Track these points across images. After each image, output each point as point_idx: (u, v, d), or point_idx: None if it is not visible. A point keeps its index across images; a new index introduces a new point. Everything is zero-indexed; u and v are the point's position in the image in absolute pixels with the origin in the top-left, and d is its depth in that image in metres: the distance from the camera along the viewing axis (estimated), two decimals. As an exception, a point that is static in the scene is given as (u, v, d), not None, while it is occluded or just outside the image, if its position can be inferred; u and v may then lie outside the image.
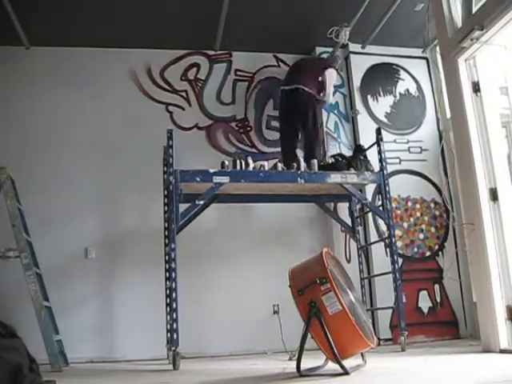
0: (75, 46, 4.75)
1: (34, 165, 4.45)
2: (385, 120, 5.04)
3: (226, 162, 3.82)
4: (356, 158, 4.18)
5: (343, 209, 4.68)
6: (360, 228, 4.62)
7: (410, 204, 4.85)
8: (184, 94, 4.98)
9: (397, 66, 5.22)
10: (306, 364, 2.49)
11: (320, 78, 4.61)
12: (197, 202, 3.63)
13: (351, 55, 5.11)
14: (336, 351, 2.35)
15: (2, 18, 4.15)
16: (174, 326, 3.32)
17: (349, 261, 4.65)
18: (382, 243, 4.55)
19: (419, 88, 5.21)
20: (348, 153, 4.83)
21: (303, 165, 3.97)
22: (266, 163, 3.96)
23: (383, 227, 4.54)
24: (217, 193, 3.74)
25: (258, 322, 4.48)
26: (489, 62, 3.42)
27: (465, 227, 3.48)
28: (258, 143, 5.01)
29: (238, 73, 5.12)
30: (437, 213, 4.89)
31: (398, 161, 4.92)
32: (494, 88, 3.48)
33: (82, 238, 4.43)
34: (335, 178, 3.92)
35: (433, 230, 4.84)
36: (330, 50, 5.07)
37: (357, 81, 5.06)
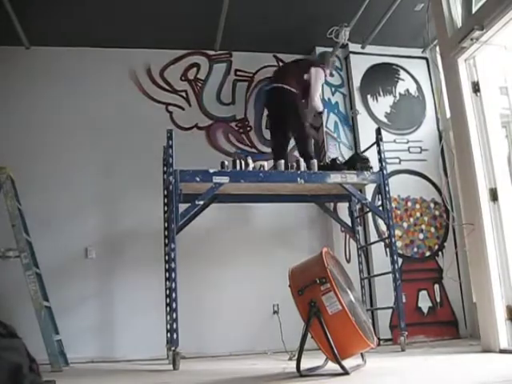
0: (75, 45, 4.75)
1: (33, 165, 4.45)
2: (385, 120, 5.05)
3: (226, 162, 3.82)
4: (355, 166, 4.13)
5: (343, 209, 4.68)
6: (360, 228, 4.63)
7: (409, 204, 4.85)
8: (184, 94, 4.99)
9: (397, 66, 5.23)
10: (305, 364, 2.49)
11: (305, 76, 4.38)
12: (197, 202, 3.63)
13: (351, 55, 5.11)
14: (336, 351, 2.35)
15: (2, 17, 4.15)
16: (174, 325, 3.32)
17: (349, 261, 4.65)
18: (382, 243, 4.55)
19: (419, 88, 5.21)
20: (348, 153, 4.84)
21: (303, 165, 3.97)
22: (265, 163, 3.96)
23: (383, 227, 4.54)
24: (217, 193, 3.74)
25: (258, 322, 4.48)
26: (489, 62, 3.42)
27: (465, 227, 3.48)
28: (257, 143, 5.01)
29: (238, 73, 5.12)
30: (437, 213, 4.89)
31: (397, 161, 4.93)
32: (494, 88, 3.48)
33: (82, 238, 4.43)
34: (335, 178, 3.92)
35: (433, 230, 4.84)
36: (330, 49, 5.07)
37: (357, 81, 5.07)
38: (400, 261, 4.34)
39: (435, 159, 4.98)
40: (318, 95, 4.49)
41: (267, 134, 5.00)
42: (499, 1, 2.99)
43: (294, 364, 2.51)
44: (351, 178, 3.96)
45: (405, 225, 4.79)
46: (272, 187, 4.03)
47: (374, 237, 4.68)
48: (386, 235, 4.13)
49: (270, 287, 4.33)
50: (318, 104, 4.49)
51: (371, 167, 4.14)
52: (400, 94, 5.17)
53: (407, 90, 5.19)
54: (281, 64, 5.11)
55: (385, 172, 4.04)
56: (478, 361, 2.90)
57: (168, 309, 3.69)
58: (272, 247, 4.63)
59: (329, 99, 5.05)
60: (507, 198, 3.27)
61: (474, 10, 3.38)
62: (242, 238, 4.65)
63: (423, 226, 4.83)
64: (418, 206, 4.86)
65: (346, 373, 2.36)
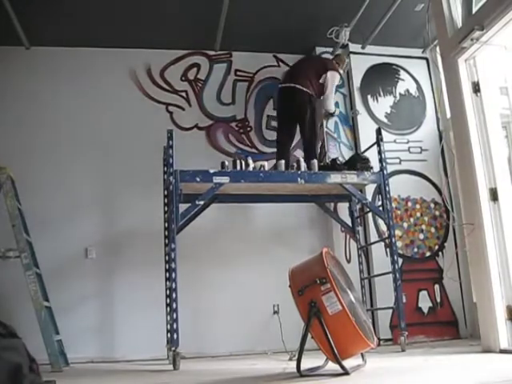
0: (75, 46, 4.75)
1: (33, 165, 4.45)
2: (385, 120, 5.05)
3: (226, 163, 3.82)
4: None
5: (343, 209, 4.68)
6: (360, 228, 4.62)
7: (409, 204, 4.85)
8: (184, 94, 4.98)
9: (397, 66, 5.23)
10: (306, 364, 2.49)
11: (321, 80, 4.47)
12: (197, 202, 3.63)
13: (351, 55, 5.10)
14: (336, 351, 2.35)
15: (1, 17, 4.15)
16: (174, 326, 3.32)
17: (349, 261, 4.65)
18: (382, 243, 4.55)
19: (419, 88, 5.21)
20: (348, 153, 4.84)
21: (303, 165, 3.97)
22: (265, 163, 3.96)
23: (383, 227, 4.54)
24: (217, 193, 3.74)
25: (258, 321, 4.48)
26: (489, 62, 3.42)
27: (465, 227, 3.48)
28: (257, 143, 5.01)
29: (238, 73, 5.12)
30: (437, 213, 4.89)
31: (398, 161, 4.92)
32: (494, 88, 3.48)
33: (81, 238, 4.43)
34: (335, 178, 3.92)
35: (433, 230, 4.84)
36: (330, 49, 5.08)
37: (357, 81, 5.06)
38: (400, 261, 4.34)
39: (435, 159, 4.98)
40: (332, 97, 4.56)
41: (267, 134, 5.02)
42: (499, 1, 2.99)
43: (294, 364, 2.51)
44: (351, 178, 3.96)
45: (405, 225, 4.79)
46: (272, 187, 4.03)
47: (374, 237, 4.68)
48: (386, 235, 4.13)
49: (270, 287, 4.33)
50: (332, 106, 4.59)
51: (371, 167, 4.14)
52: (400, 94, 5.17)
53: (407, 90, 5.19)
54: (291, 63, 5.03)
55: (385, 172, 4.04)
56: (478, 361, 2.90)
57: (168, 309, 3.69)
58: (272, 247, 4.63)
59: (329, 99, 5.04)
60: (507, 198, 3.27)
61: (474, 10, 3.38)
62: (242, 238, 4.65)
63: (423, 226, 4.83)
64: (418, 206, 4.86)
65: (346, 373, 2.36)
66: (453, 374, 2.45)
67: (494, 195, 3.27)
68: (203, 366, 3.54)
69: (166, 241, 3.82)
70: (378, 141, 4.11)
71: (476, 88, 3.40)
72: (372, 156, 4.21)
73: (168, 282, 3.64)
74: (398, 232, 4.59)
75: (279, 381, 2.48)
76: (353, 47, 5.09)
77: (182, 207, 3.58)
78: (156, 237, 4.08)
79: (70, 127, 4.65)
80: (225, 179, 3.69)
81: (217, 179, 3.67)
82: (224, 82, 5.08)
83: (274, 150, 4.76)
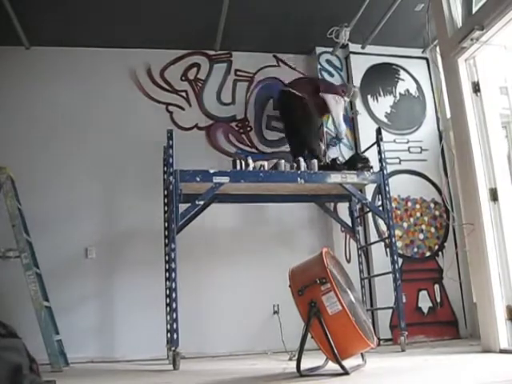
0: (75, 46, 4.74)
1: (33, 165, 4.45)
2: (385, 120, 5.05)
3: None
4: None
5: (343, 209, 4.68)
6: (360, 228, 4.62)
7: (409, 204, 4.85)
8: (184, 94, 4.98)
9: (397, 66, 5.22)
10: (306, 364, 2.50)
11: (321, 95, 4.51)
12: (197, 202, 3.63)
13: (351, 55, 5.11)
14: (336, 351, 2.35)
15: (1, 17, 4.15)
16: (174, 326, 3.32)
17: (349, 261, 4.64)
18: (382, 243, 4.55)
19: (419, 88, 5.21)
20: (348, 153, 4.84)
21: (303, 165, 3.97)
22: (265, 163, 3.96)
23: (383, 227, 4.54)
24: (217, 193, 3.74)
25: (258, 322, 4.48)
26: (489, 62, 3.42)
27: (465, 227, 3.48)
28: (257, 143, 5.00)
29: (238, 73, 5.12)
30: (437, 213, 4.89)
31: (397, 161, 4.92)
32: (494, 88, 3.49)
33: (81, 238, 4.43)
34: (335, 178, 3.92)
35: (433, 230, 4.84)
36: (330, 49, 5.08)
37: (357, 81, 5.06)
38: (400, 261, 4.34)
39: (435, 159, 4.98)
40: (342, 120, 4.62)
41: (267, 134, 5.02)
42: (499, 1, 2.99)
43: (294, 364, 2.52)
44: (351, 177, 3.96)
45: (405, 225, 4.79)
46: (272, 187, 4.03)
47: (374, 237, 4.68)
48: (386, 235, 4.13)
49: (270, 287, 4.33)
50: (343, 131, 4.68)
51: (371, 167, 4.14)
52: (400, 94, 5.17)
53: (407, 90, 5.19)
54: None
55: (385, 172, 4.05)
56: (478, 361, 2.90)
57: (168, 309, 3.68)
58: (272, 247, 4.63)
59: (329, 99, 5.04)
60: (507, 198, 3.27)
61: (474, 10, 3.38)
62: (242, 237, 4.64)
63: (423, 226, 4.83)
64: (418, 206, 4.86)
65: (346, 373, 2.37)
66: (453, 373, 2.45)
67: (493, 195, 3.27)
68: (203, 366, 3.54)
69: (166, 241, 3.82)
70: (378, 141, 4.12)
71: (476, 88, 3.40)
72: (372, 156, 4.21)
73: (168, 282, 3.64)
74: (397, 232, 4.59)
75: (279, 381, 2.48)
76: (353, 47, 5.09)
77: (182, 207, 3.58)
78: (156, 237, 4.08)
79: (70, 127, 4.65)
80: (225, 179, 3.69)
81: (217, 179, 3.67)
82: (224, 82, 5.08)
83: (274, 149, 4.78)
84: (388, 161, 4.36)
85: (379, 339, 4.05)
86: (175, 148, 3.65)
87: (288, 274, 2.59)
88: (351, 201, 4.51)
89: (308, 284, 2.44)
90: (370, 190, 4.63)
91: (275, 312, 4.50)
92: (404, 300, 3.93)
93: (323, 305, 2.38)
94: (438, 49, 4.61)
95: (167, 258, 3.71)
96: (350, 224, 4.51)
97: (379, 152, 4.09)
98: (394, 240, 3.93)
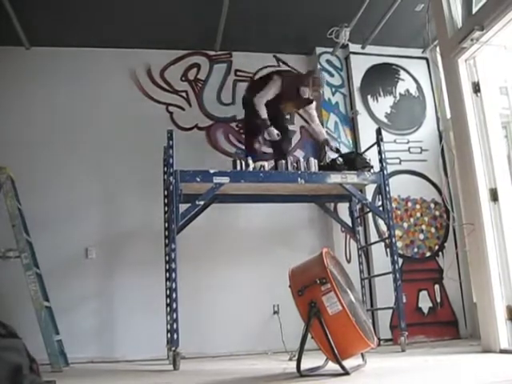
0: (75, 46, 4.74)
1: (34, 165, 4.45)
2: (385, 120, 5.05)
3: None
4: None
5: (343, 209, 4.67)
6: (360, 228, 4.62)
7: (410, 204, 4.85)
8: (184, 94, 4.98)
9: (397, 66, 5.22)
10: (306, 364, 2.50)
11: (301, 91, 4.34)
12: (197, 203, 3.63)
13: (351, 55, 5.11)
14: (336, 351, 2.35)
15: (1, 17, 4.15)
16: (175, 326, 3.32)
17: (349, 261, 4.64)
18: (382, 243, 4.55)
19: (419, 88, 5.21)
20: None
21: (303, 165, 3.98)
22: (265, 163, 3.96)
23: (383, 227, 4.54)
24: (217, 193, 3.73)
25: (258, 322, 4.48)
26: (489, 63, 3.42)
27: (465, 227, 3.49)
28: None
29: (238, 73, 5.12)
30: (437, 213, 4.89)
31: (398, 161, 4.92)
32: (494, 88, 3.49)
33: (81, 238, 4.43)
34: (335, 178, 3.92)
35: (433, 230, 4.84)
36: (330, 50, 5.08)
37: (357, 81, 5.06)
38: (400, 261, 4.34)
39: (435, 159, 4.98)
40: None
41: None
42: (499, 1, 2.99)
43: (294, 364, 2.52)
44: (351, 178, 3.96)
45: (405, 225, 4.79)
46: (272, 187, 4.03)
47: (374, 237, 4.68)
48: (387, 235, 4.13)
49: (271, 287, 4.33)
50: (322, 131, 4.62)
51: (372, 167, 4.14)
52: (400, 94, 5.17)
53: (407, 91, 5.19)
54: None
55: (385, 172, 4.04)
56: (478, 361, 2.90)
57: (168, 309, 3.68)
58: (272, 247, 4.63)
59: (329, 99, 5.04)
60: (507, 198, 3.27)
61: (474, 10, 3.38)
62: (243, 238, 4.64)
63: (423, 227, 4.83)
64: (418, 207, 4.86)
65: (346, 373, 2.37)
66: (453, 373, 2.45)
67: (494, 195, 3.27)
68: (203, 365, 3.54)
69: (166, 241, 3.82)
70: (378, 141, 4.11)
71: (476, 88, 3.40)
72: (372, 156, 4.21)
73: (168, 282, 3.64)
74: (398, 232, 4.59)
75: (279, 381, 2.48)
76: (353, 47, 5.09)
77: (182, 207, 3.58)
78: (156, 237, 4.08)
79: (70, 127, 4.65)
80: (225, 179, 3.69)
81: (217, 179, 3.67)
82: (224, 82, 5.08)
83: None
84: (388, 161, 4.36)
85: (379, 339, 4.05)
86: (175, 148, 3.65)
87: (288, 274, 2.59)
88: (351, 201, 4.51)
89: (308, 284, 2.44)
90: (370, 190, 4.63)
91: (275, 312, 4.50)
92: (404, 300, 3.93)
93: (323, 305, 2.38)
94: (438, 49, 4.62)
95: (167, 258, 3.71)
96: (350, 224, 4.51)
97: (379, 152, 4.09)
98: (394, 240, 3.93)
